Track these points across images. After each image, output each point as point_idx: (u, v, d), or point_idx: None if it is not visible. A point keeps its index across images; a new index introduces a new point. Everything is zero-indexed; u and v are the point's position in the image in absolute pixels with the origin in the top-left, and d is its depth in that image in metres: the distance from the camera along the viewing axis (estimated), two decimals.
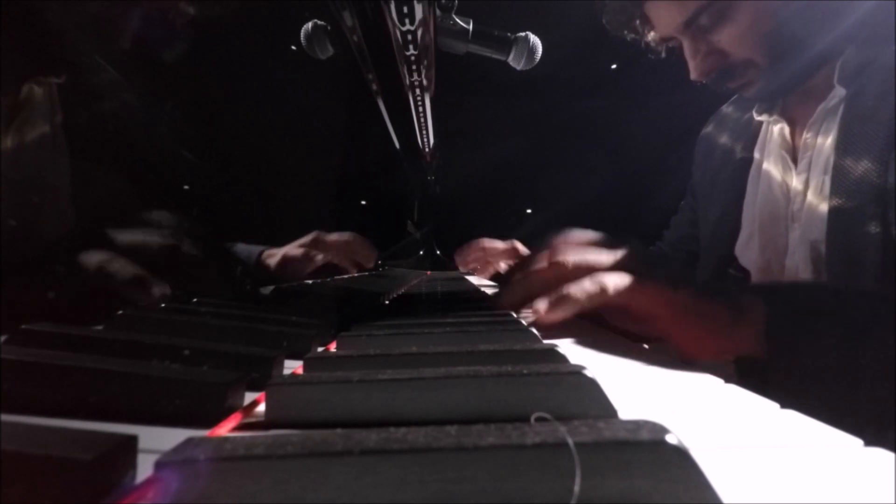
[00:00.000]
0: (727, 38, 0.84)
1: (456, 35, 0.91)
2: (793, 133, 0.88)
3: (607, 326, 0.58)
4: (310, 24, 0.89)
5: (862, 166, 0.72)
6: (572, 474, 0.16)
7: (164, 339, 0.37)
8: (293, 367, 0.38)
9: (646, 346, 0.52)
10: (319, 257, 1.05)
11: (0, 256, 0.41)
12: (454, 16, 0.90)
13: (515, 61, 0.96)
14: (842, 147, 0.75)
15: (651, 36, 0.97)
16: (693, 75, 0.91)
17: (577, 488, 0.16)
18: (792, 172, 0.85)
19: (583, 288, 0.53)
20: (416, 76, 0.84)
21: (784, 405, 0.29)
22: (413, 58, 0.77)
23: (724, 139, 1.04)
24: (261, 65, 0.93)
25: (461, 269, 1.65)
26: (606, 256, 0.57)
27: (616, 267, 0.56)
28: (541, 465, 0.17)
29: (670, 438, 0.17)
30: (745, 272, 0.91)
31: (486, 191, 2.90)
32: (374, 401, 0.26)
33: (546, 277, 0.57)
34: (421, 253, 2.13)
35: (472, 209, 2.80)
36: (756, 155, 0.93)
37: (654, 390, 0.35)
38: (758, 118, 0.94)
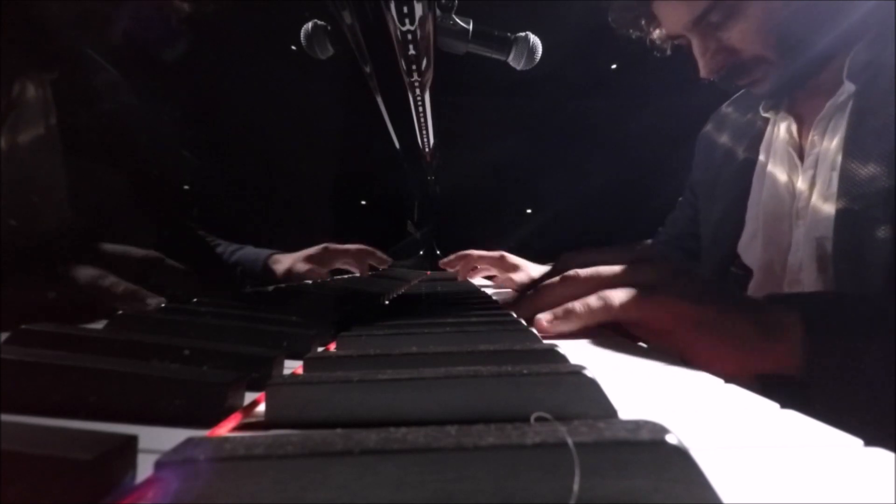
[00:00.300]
0: (737, 34, 0.82)
1: (456, 35, 0.91)
2: (799, 130, 0.88)
3: (607, 326, 0.58)
4: (310, 24, 0.90)
5: (870, 163, 0.71)
6: (572, 474, 0.16)
7: (164, 338, 0.37)
8: (293, 367, 0.38)
9: (644, 345, 0.52)
10: (326, 272, 1.06)
11: None
12: (454, 16, 0.90)
13: (515, 61, 0.97)
14: (850, 143, 0.74)
15: (657, 34, 0.96)
16: (702, 73, 0.90)
17: (576, 488, 0.16)
18: (798, 169, 0.84)
19: (586, 304, 0.53)
20: (416, 76, 0.84)
21: (831, 423, 0.27)
22: (413, 58, 0.77)
23: (725, 138, 1.03)
24: (261, 65, 0.93)
25: (449, 270, 1.65)
26: (620, 271, 0.56)
27: (631, 281, 0.54)
28: (541, 465, 0.17)
29: (670, 438, 0.17)
30: (747, 270, 0.91)
31: (485, 191, 2.91)
32: (374, 401, 0.26)
33: (558, 291, 0.57)
34: (421, 253, 2.13)
35: (471, 209, 2.80)
36: (761, 156, 0.92)
37: (654, 390, 0.35)
38: (764, 115, 0.93)
